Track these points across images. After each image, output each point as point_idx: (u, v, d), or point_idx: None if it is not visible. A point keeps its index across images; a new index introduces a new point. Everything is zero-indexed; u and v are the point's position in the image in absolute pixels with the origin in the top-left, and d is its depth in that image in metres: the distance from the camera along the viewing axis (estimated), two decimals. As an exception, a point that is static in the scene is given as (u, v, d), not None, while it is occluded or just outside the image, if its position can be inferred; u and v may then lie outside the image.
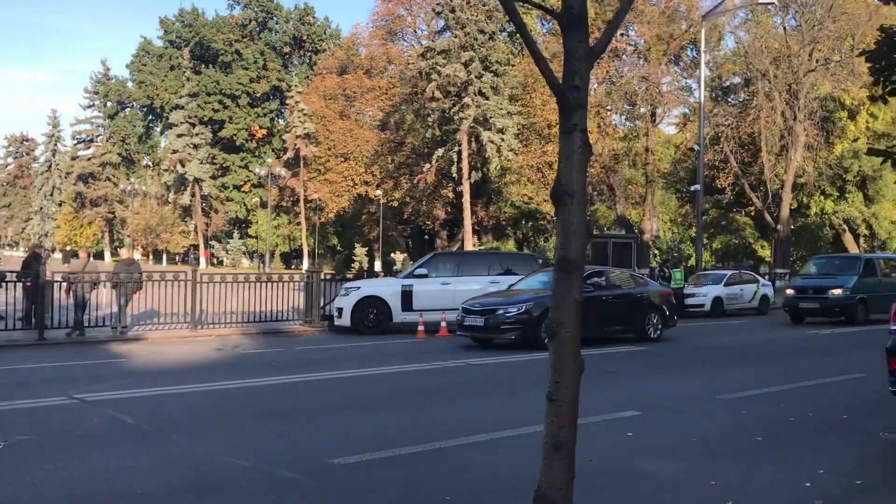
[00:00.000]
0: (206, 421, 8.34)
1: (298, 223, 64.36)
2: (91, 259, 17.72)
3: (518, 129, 45.45)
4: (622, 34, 46.86)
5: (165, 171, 70.30)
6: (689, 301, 25.06)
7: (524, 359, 13.52)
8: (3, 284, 17.54)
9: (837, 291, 20.86)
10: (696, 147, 34.65)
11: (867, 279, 21.27)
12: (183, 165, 67.67)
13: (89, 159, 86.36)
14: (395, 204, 58.40)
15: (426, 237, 66.17)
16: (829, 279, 21.39)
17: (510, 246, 61.50)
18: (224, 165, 70.52)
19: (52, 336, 16.28)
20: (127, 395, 9.60)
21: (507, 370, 12.56)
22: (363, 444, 7.12)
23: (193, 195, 69.05)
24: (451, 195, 53.76)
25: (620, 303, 16.30)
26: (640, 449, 7.25)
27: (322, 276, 20.36)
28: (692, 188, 36.88)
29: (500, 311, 14.76)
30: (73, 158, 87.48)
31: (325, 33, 74.12)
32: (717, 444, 7.49)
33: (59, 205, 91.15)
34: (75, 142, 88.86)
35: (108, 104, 79.21)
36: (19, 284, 17.25)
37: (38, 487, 5.85)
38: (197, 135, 68.27)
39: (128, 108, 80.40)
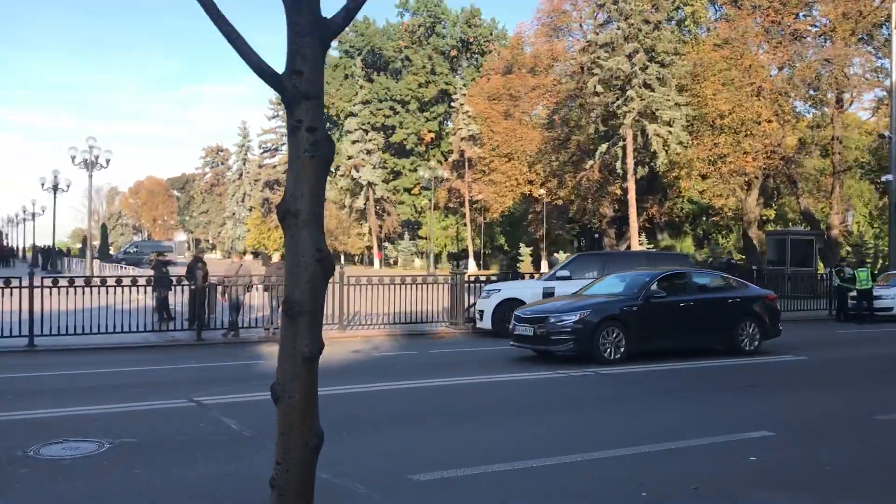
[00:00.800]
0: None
1: (465, 224, 65.01)
2: (244, 262, 18.54)
3: (687, 121, 43.22)
4: (804, 14, 43.49)
5: (342, 176, 73.28)
6: (876, 304, 22.68)
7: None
8: (173, 288, 18.80)
9: None
10: (886, 134, 31.39)
11: None
12: (357, 171, 70.28)
13: (274, 167, 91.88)
14: (560, 203, 57.49)
15: (595, 236, 64.70)
16: None
17: (687, 244, 58.83)
18: (395, 170, 72.51)
19: (210, 336, 17.17)
20: (244, 398, 9.81)
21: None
22: (450, 460, 6.77)
23: (367, 199, 71.55)
24: (618, 192, 52.17)
25: (704, 309, 14.35)
26: (757, 478, 6.40)
27: (466, 277, 20.20)
28: (883, 178, 33.49)
29: (553, 320, 13.29)
30: (260, 166, 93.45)
31: (491, 34, 74.46)
32: (859, 476, 6.47)
33: (249, 210, 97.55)
34: (262, 150, 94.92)
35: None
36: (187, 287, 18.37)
37: (108, 492, 5.97)
38: (370, 141, 70.67)
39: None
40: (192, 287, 17.75)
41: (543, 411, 9.32)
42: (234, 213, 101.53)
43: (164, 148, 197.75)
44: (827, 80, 40.51)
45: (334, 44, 77.60)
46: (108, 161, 37.39)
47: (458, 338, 18.18)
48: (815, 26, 43.86)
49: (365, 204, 71.99)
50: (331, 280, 16.00)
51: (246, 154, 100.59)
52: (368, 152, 70.44)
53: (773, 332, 14.95)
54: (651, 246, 52.66)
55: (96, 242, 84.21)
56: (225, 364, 13.48)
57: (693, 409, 9.53)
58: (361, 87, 72.08)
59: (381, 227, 72.87)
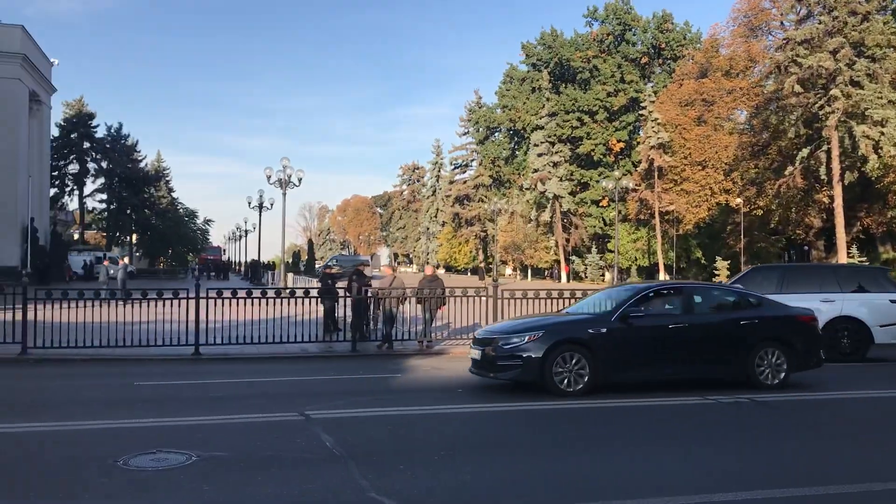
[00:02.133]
0: (397, 449, 7.86)
1: (655, 236, 62.39)
2: (396, 274, 18.53)
3: (903, 121, 38.74)
4: None
5: (528, 189, 73.08)
6: None
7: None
8: (338, 300, 19.18)
9: None
10: None
11: None
12: (543, 184, 69.73)
13: (465, 182, 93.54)
14: (761, 212, 53.60)
15: (805, 248, 59.76)
16: None
17: (915, 258, 52.67)
18: (582, 181, 71.16)
19: (364, 348, 17.30)
20: (354, 413, 9.57)
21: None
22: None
23: (554, 212, 70.75)
24: (825, 200, 47.78)
25: (705, 332, 11.63)
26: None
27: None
28: None
29: (501, 342, 11.29)
30: (451, 182, 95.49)
31: (684, 38, 71.29)
32: None
33: (442, 225, 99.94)
34: (452, 167, 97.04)
35: (479, 130, 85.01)
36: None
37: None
38: (556, 153, 69.91)
39: (497, 133, 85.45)
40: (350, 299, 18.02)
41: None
42: (427, 229, 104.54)
43: (370, 168, 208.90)
44: None
45: (521, 57, 77.95)
46: (300, 180, 39.51)
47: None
48: None
49: (551, 217, 71.24)
50: (483, 294, 15.59)
51: (439, 171, 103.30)
52: (555, 164, 69.69)
53: (809, 362, 12.09)
54: (864, 259, 47.64)
55: (308, 256, 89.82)
56: (363, 377, 13.36)
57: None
58: (548, 99, 71.54)
59: (567, 240, 71.75)
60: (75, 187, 75.70)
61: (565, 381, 10.90)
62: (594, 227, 71.16)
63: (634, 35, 72.68)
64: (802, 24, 41.87)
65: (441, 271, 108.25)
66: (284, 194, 39.37)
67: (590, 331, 11.23)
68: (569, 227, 72.27)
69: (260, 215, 55.82)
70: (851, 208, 51.69)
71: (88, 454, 7.45)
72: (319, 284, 20.49)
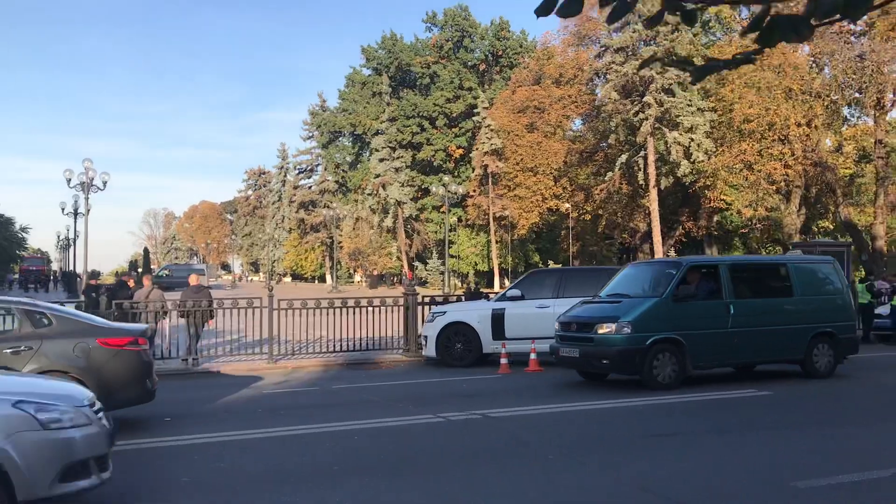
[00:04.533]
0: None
1: (497, 241, 62.90)
2: (154, 286, 16.92)
3: (711, 127, 40.48)
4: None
5: (370, 195, 72.08)
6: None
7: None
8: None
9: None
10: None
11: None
12: (385, 189, 68.94)
13: (310, 188, 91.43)
14: (589, 217, 55.01)
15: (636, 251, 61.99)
16: None
17: (732, 258, 55.43)
18: (423, 187, 70.89)
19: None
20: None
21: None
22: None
23: (396, 217, 70.10)
24: (648, 205, 49.53)
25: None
26: None
27: (420, 299, 18.23)
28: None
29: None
30: (296, 188, 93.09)
31: (520, 47, 72.40)
32: None
33: (289, 232, 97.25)
34: (297, 172, 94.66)
35: (323, 134, 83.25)
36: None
37: None
38: (397, 158, 69.30)
39: (341, 137, 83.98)
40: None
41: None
42: (273, 235, 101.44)
43: (221, 173, 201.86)
44: (863, 79, 37.42)
45: (361, 61, 76.89)
46: (104, 183, 36.60)
47: (403, 368, 16.25)
48: (852, 23, 40.78)
49: (394, 223, 70.56)
50: (256, 305, 14.26)
51: (285, 176, 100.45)
52: (396, 170, 69.08)
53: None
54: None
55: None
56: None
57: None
58: (389, 104, 70.88)
59: (410, 245, 71.28)
60: None
61: None
62: (436, 232, 71.06)
63: (473, 42, 73.22)
64: (618, 33, 43.13)
65: (288, 279, 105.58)
66: (87, 198, 36.37)
67: None
68: (411, 233, 71.84)
69: (75, 222, 51.84)
70: (674, 213, 53.95)
71: None
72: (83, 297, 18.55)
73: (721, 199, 42.79)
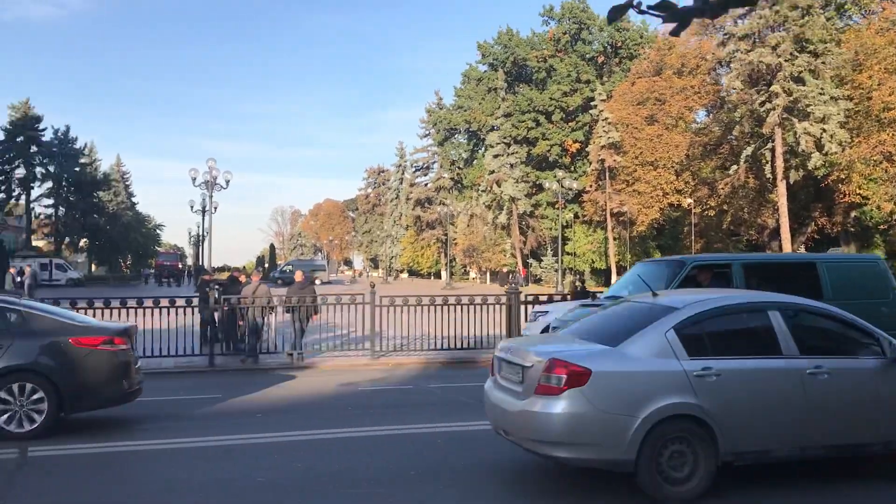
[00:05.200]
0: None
1: (610, 238, 61.36)
2: (259, 282, 17.08)
3: (846, 117, 37.76)
4: None
5: (484, 191, 71.89)
6: None
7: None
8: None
9: None
10: None
11: None
12: (499, 185, 68.56)
13: (426, 185, 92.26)
14: (712, 213, 52.72)
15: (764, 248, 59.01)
16: None
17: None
18: (538, 183, 70.01)
19: (225, 363, 15.98)
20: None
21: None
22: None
23: (511, 214, 69.63)
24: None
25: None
26: None
27: (523, 298, 17.72)
28: None
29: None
30: (412, 185, 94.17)
31: (641, 38, 70.36)
32: None
33: (406, 228, 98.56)
34: (414, 169, 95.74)
35: (439, 132, 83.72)
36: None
37: None
38: (512, 154, 68.77)
39: (456, 134, 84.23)
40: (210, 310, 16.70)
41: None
42: (391, 233, 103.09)
43: (344, 171, 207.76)
44: None
45: (477, 57, 76.73)
46: (227, 182, 37.95)
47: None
48: None
49: (508, 219, 70.08)
50: (360, 301, 14.24)
51: (403, 174, 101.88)
52: (511, 166, 68.56)
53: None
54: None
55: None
56: (181, 399, 12.01)
57: None
58: (504, 99, 70.41)
59: (524, 242, 70.60)
60: (21, 192, 73.73)
61: None
62: (551, 229, 70.10)
63: (591, 34, 71.72)
64: (744, 19, 40.92)
65: (405, 275, 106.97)
66: (211, 196, 37.84)
67: None
68: (526, 230, 71.15)
69: (203, 219, 54.24)
70: (805, 208, 50.92)
71: None
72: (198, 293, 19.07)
73: (857, 193, 39.91)
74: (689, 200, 52.02)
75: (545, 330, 15.31)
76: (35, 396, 8.52)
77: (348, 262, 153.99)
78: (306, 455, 7.96)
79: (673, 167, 52.88)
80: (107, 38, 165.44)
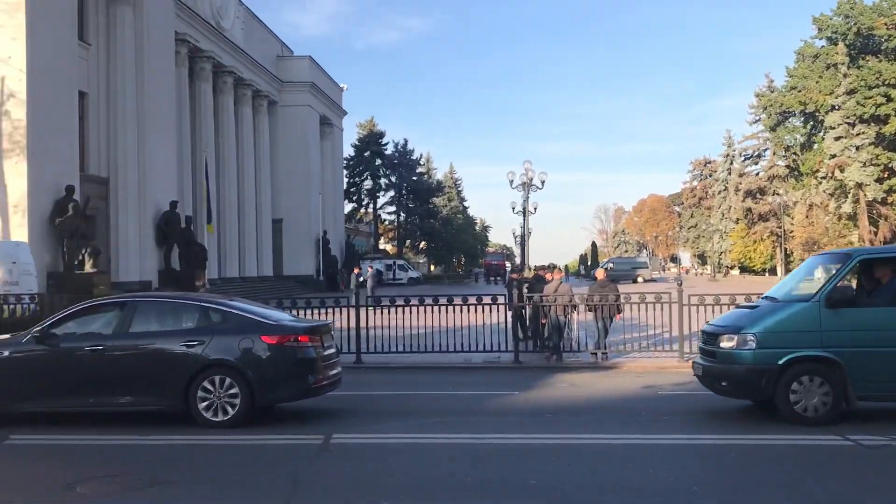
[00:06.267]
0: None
1: None
2: (561, 280, 16.99)
3: None
4: None
5: (823, 178, 65.13)
6: None
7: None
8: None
9: None
10: None
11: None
12: (842, 171, 61.59)
13: (757, 174, 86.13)
14: None
15: None
16: None
17: None
18: (889, 166, 61.60)
19: (530, 360, 16.21)
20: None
21: None
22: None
23: (856, 202, 62.23)
24: None
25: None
26: None
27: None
28: None
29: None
30: (741, 175, 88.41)
31: None
32: None
33: (735, 222, 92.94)
34: (742, 158, 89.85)
35: (770, 116, 77.59)
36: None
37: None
38: (857, 135, 61.34)
39: (790, 118, 77.40)
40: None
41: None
42: (719, 227, 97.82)
43: (667, 165, 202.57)
44: None
45: (813, 32, 69.72)
46: (543, 182, 38.70)
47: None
48: None
49: (854, 208, 62.69)
50: (665, 299, 13.77)
51: (731, 164, 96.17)
52: (856, 148, 61.28)
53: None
54: None
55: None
56: (482, 393, 12.36)
57: None
58: (845, 75, 63.12)
59: (875, 233, 62.61)
60: (370, 201, 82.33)
61: None
62: (908, 218, 61.45)
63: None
64: None
65: (735, 272, 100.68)
66: (526, 199, 38.88)
67: None
68: (877, 219, 63.13)
69: (524, 219, 55.95)
70: None
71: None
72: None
73: None
74: None
75: None
76: (230, 389, 9.31)
77: (674, 259, 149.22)
78: (585, 459, 7.72)
79: None
80: (441, 56, 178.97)
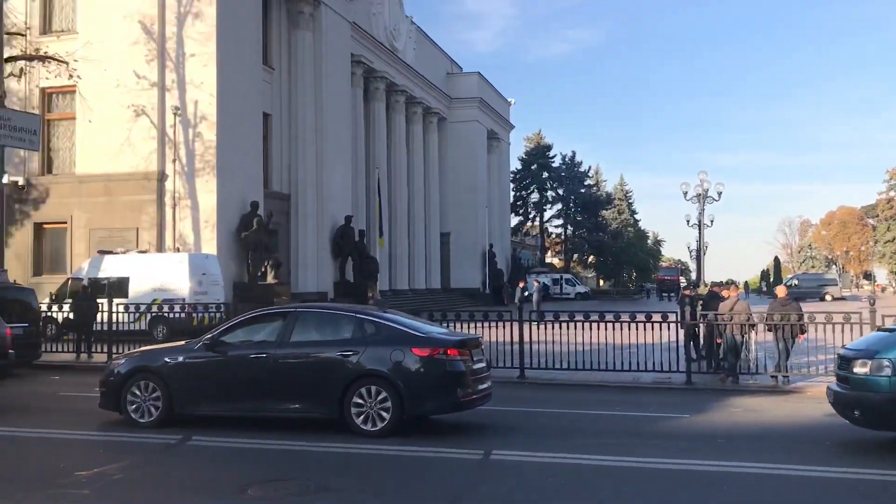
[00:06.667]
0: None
1: None
2: (738, 299, 15.91)
3: None
4: None
5: None
6: None
7: None
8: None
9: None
10: None
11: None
12: None
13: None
14: None
15: None
16: None
17: None
18: None
19: (703, 381, 15.37)
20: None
21: None
22: None
23: None
24: None
25: None
26: None
27: None
28: None
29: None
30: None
31: None
32: None
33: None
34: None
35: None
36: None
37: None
38: None
39: None
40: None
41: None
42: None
43: (859, 175, 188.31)
44: None
45: None
46: (719, 194, 36.91)
47: None
48: None
49: None
50: (855, 320, 12.73)
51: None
52: None
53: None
54: None
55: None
56: (634, 414, 11.80)
57: None
58: None
59: None
60: (536, 214, 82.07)
61: None
62: None
63: None
64: None
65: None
66: (702, 211, 37.19)
67: None
68: None
69: (699, 232, 53.71)
70: None
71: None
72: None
73: None
74: None
75: None
76: (381, 399, 9.36)
77: (867, 276, 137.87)
78: (759, 491, 7.12)
79: None
80: (610, 67, 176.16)
